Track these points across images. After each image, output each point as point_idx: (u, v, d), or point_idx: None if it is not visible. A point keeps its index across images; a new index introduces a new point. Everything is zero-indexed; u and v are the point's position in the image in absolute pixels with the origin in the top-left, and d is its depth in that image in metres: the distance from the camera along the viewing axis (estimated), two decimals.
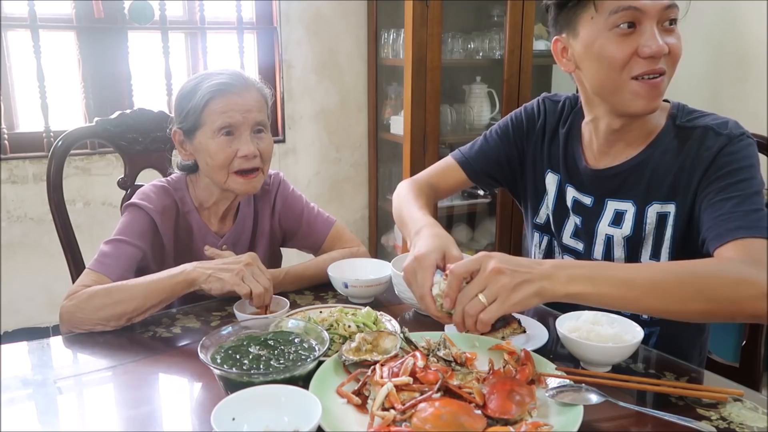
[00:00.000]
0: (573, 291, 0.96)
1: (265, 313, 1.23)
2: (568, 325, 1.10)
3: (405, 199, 1.36)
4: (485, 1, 3.13)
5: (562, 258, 1.38)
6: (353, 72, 3.22)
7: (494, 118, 3.11)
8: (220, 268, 1.22)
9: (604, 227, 1.28)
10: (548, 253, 1.42)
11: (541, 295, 0.96)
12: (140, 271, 1.35)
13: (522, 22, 2.89)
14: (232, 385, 0.92)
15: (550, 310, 1.32)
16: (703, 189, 1.15)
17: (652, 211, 1.22)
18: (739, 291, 0.96)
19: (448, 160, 1.48)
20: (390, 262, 1.36)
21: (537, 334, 1.16)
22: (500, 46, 2.99)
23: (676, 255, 1.21)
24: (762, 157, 1.37)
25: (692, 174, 1.17)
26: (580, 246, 1.33)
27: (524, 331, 1.16)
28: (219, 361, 0.96)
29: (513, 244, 3.13)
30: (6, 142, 2.59)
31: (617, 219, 1.26)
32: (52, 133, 2.63)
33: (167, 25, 2.78)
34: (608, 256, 1.28)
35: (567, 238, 1.36)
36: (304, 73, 3.11)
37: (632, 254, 1.26)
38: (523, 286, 0.95)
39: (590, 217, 1.30)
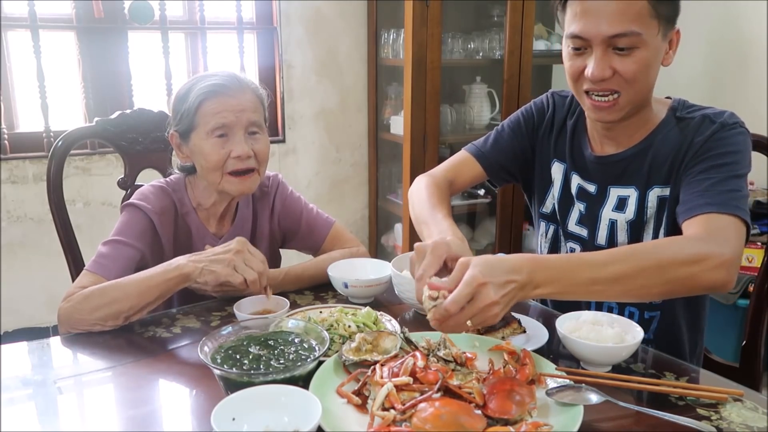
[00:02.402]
0: (541, 293, 1.00)
1: (265, 294, 1.24)
2: (568, 325, 1.10)
3: (428, 201, 1.35)
4: (485, 1, 3.13)
5: (567, 246, 1.41)
6: (353, 72, 3.22)
7: (494, 118, 3.11)
8: (211, 260, 1.22)
9: (607, 212, 1.31)
10: (554, 242, 1.45)
11: (518, 301, 1.00)
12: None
13: (522, 22, 2.89)
14: (232, 385, 0.92)
15: (550, 310, 1.32)
16: (689, 168, 1.20)
17: (653, 195, 1.26)
18: (693, 268, 1.02)
19: (464, 155, 1.50)
20: (390, 262, 1.36)
21: (537, 334, 1.16)
22: (500, 46, 2.99)
23: (670, 236, 1.24)
24: (762, 157, 1.37)
25: (684, 157, 1.21)
26: (584, 232, 1.36)
27: (524, 331, 1.16)
28: (219, 361, 0.96)
29: (513, 244, 3.13)
30: (6, 142, 2.59)
31: (620, 204, 1.30)
32: (52, 133, 2.63)
33: (167, 25, 2.78)
34: (612, 240, 1.31)
35: (572, 225, 1.39)
36: (304, 73, 3.11)
37: (635, 238, 1.29)
38: (508, 305, 0.97)
39: (594, 203, 1.33)
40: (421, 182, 1.43)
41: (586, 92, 1.21)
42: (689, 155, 1.20)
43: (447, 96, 3.04)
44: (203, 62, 2.91)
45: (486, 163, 1.47)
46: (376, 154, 3.32)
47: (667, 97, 1.32)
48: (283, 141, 3.12)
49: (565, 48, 1.22)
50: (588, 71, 1.17)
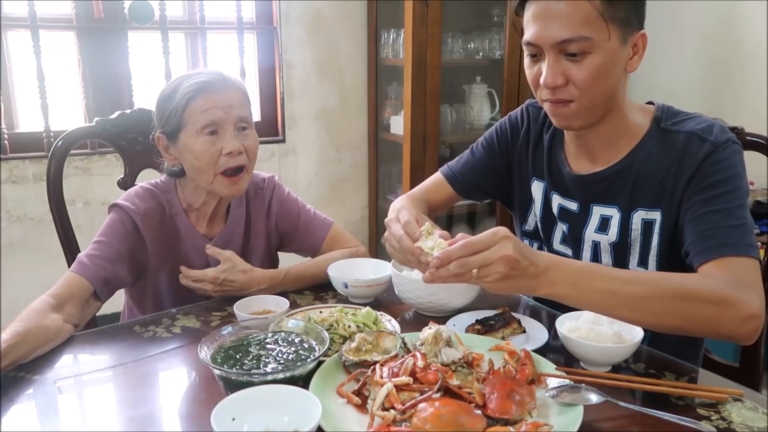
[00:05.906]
0: (554, 293, 0.97)
1: None
2: (568, 325, 1.10)
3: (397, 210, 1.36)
4: (485, 1, 3.13)
5: None
6: (353, 72, 3.22)
7: (494, 118, 3.11)
8: None
9: (590, 233, 1.27)
10: None
11: (523, 290, 0.97)
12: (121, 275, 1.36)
13: (522, 21, 2.88)
14: (232, 385, 0.92)
15: (551, 309, 1.32)
16: (688, 198, 1.13)
17: (637, 218, 1.21)
18: (717, 311, 0.98)
19: (437, 175, 1.48)
20: (390, 262, 1.35)
21: (537, 334, 1.16)
22: (500, 46, 2.99)
23: (662, 262, 1.20)
24: (762, 157, 1.37)
25: (677, 181, 1.15)
26: (569, 252, 1.32)
27: (524, 331, 1.16)
28: (219, 361, 0.96)
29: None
30: (6, 142, 2.59)
31: (603, 225, 1.25)
32: (52, 133, 2.64)
33: (167, 25, 2.78)
34: (596, 261, 1.27)
35: (557, 244, 1.35)
36: (304, 73, 3.11)
37: (619, 260, 1.24)
38: (512, 279, 0.94)
39: (577, 223, 1.29)
40: (399, 200, 1.42)
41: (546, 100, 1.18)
42: (683, 179, 1.14)
43: (447, 96, 3.04)
44: (203, 62, 2.91)
45: (456, 183, 1.45)
46: (376, 154, 3.32)
47: (649, 102, 1.26)
48: (283, 141, 3.12)
49: (525, 56, 1.19)
50: (541, 79, 1.14)
